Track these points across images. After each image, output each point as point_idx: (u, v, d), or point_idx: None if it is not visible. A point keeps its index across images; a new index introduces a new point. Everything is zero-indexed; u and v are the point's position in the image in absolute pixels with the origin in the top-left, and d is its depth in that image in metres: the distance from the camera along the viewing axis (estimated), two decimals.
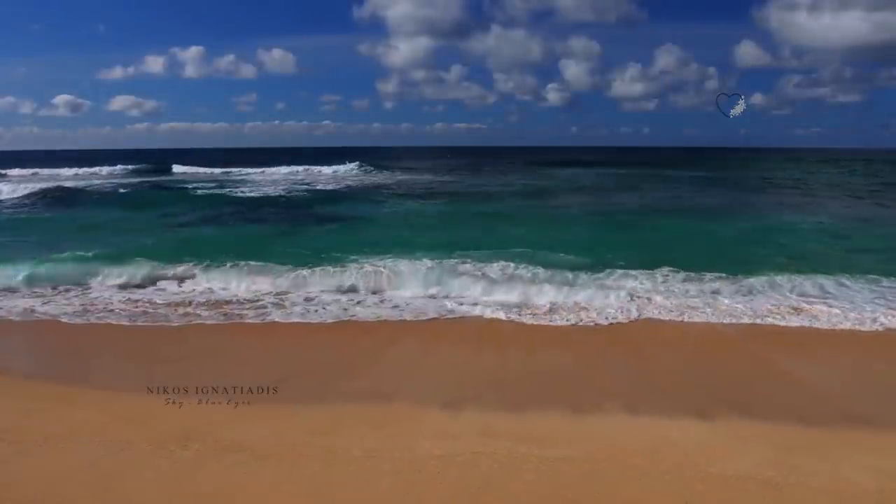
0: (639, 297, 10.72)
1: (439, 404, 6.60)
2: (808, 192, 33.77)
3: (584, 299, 10.65)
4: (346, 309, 10.54)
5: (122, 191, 33.42)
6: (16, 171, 49.44)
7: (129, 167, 56.93)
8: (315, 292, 11.50)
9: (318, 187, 36.14)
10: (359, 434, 5.75)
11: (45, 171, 50.80)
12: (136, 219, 22.24)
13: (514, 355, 8.56)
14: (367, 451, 5.38)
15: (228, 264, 12.60)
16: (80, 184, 37.75)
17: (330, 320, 10.02)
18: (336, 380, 7.50)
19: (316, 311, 10.46)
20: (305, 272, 12.15)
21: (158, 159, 72.25)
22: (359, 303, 10.90)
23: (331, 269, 12.38)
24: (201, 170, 55.92)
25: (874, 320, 9.61)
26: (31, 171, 50.73)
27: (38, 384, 7.34)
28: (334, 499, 4.68)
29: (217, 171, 54.43)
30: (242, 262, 12.64)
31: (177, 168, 57.14)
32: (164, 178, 46.87)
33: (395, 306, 10.72)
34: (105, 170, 55.13)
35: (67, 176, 48.81)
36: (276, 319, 10.11)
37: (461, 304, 10.59)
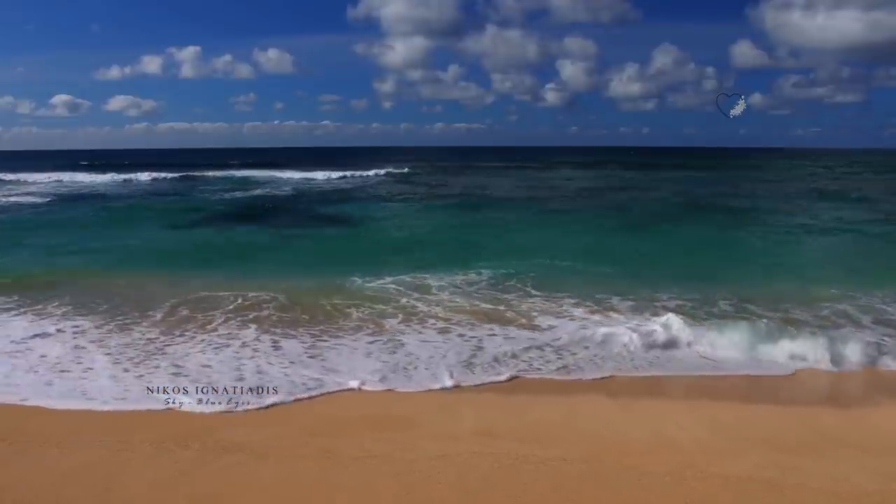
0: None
1: (438, 405, 6.61)
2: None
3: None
4: None
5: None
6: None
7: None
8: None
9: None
10: (358, 435, 5.75)
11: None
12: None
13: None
14: (367, 451, 5.38)
15: None
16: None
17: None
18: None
19: None
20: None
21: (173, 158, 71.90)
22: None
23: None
24: (258, 172, 50.99)
25: None
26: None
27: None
28: (333, 499, 4.68)
29: (287, 174, 48.93)
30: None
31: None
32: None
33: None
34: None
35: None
36: None
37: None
